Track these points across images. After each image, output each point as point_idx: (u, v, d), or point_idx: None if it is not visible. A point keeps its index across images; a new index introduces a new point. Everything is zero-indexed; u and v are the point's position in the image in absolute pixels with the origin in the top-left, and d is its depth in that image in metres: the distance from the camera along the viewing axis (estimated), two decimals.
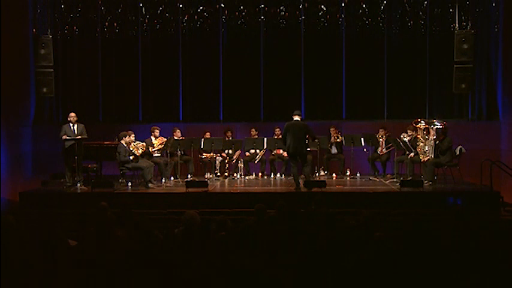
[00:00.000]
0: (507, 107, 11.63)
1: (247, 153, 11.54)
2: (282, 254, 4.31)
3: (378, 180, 10.72)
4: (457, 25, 11.95)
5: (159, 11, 12.66)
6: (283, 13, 12.63)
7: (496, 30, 11.85)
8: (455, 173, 9.96)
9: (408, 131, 10.53)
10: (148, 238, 4.66)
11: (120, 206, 6.41)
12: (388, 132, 11.15)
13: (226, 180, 10.98)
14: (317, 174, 11.15)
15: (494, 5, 11.86)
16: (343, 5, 12.51)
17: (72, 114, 10.06)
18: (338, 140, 11.32)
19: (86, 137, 10.00)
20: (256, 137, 11.39)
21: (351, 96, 12.60)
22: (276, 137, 11.15)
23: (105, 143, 10.54)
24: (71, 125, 9.96)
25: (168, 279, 3.95)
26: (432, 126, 9.82)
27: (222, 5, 12.61)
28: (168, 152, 10.74)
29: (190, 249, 4.62)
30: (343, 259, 4.12)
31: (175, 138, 10.88)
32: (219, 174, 11.23)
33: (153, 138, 10.73)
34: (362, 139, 11.02)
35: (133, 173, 10.15)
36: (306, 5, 12.58)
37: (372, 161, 11.15)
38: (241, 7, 12.65)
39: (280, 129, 10.85)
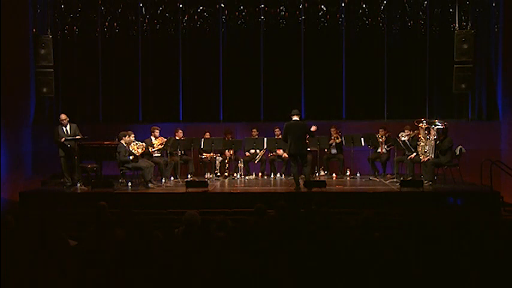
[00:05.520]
0: (507, 107, 11.63)
1: (247, 153, 11.55)
2: (282, 254, 4.31)
3: (378, 180, 10.72)
4: (457, 25, 11.95)
5: (159, 11, 12.66)
6: (283, 13, 12.63)
7: (496, 30, 11.85)
8: (455, 173, 9.97)
9: (406, 130, 10.55)
10: (148, 238, 4.65)
11: (120, 206, 6.40)
12: (388, 132, 11.16)
13: (226, 180, 10.98)
14: (317, 174, 11.16)
15: (494, 5, 11.85)
16: (343, 5, 12.51)
17: (63, 116, 10.07)
18: (337, 140, 11.32)
19: (81, 136, 10.00)
20: (257, 137, 11.39)
21: (351, 96, 12.59)
22: (276, 137, 11.15)
23: (105, 143, 10.53)
24: (63, 127, 9.97)
25: (168, 279, 3.94)
26: (433, 126, 9.83)
27: (222, 5, 12.61)
28: (168, 152, 10.74)
29: (190, 249, 4.62)
30: (343, 259, 4.11)
31: (177, 138, 10.89)
32: (219, 174, 11.23)
33: (153, 138, 10.73)
34: (362, 139, 11.02)
35: (133, 173, 10.16)
36: (306, 5, 12.57)
37: (372, 161, 11.15)
38: (241, 7, 12.64)
39: (280, 129, 10.79)
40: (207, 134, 11.31)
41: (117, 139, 10.18)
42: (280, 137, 11.01)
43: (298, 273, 3.97)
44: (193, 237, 4.95)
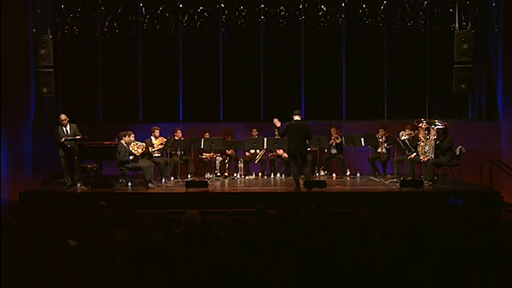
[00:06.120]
0: (507, 107, 11.63)
1: (247, 153, 11.55)
2: (282, 254, 4.30)
3: (378, 180, 10.72)
4: (457, 25, 11.95)
5: (159, 11, 12.67)
6: (283, 13, 12.63)
7: (496, 30, 11.85)
8: (455, 173, 9.97)
9: (406, 130, 10.56)
10: (148, 238, 4.65)
11: (120, 206, 6.39)
12: (388, 132, 11.16)
13: (226, 180, 10.98)
14: (317, 174, 11.16)
15: (494, 5, 11.85)
16: (343, 5, 12.51)
17: (63, 116, 10.07)
18: (337, 141, 11.32)
19: (81, 136, 10.00)
20: (257, 137, 11.39)
21: (351, 96, 12.59)
22: (276, 137, 11.14)
23: (105, 143, 10.53)
24: (63, 127, 9.97)
25: (168, 279, 3.94)
26: (433, 126, 9.84)
27: (222, 5, 12.61)
28: (168, 152, 10.74)
29: (190, 249, 4.62)
30: (343, 259, 4.11)
31: (176, 138, 10.89)
32: (219, 174, 11.23)
33: (153, 138, 10.73)
34: (362, 139, 11.02)
35: (133, 173, 10.16)
36: (306, 5, 12.57)
37: (372, 161, 11.15)
38: (241, 7, 12.64)
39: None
40: (207, 134, 11.30)
41: (117, 139, 10.18)
42: (279, 137, 11.02)
43: (298, 273, 3.97)
44: (193, 237, 4.95)
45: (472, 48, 11.54)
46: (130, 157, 9.78)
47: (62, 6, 12.53)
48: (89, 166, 10.42)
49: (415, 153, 10.12)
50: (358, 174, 11.38)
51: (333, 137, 11.35)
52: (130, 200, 8.96)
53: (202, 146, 10.91)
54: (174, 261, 4.23)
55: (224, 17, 12.66)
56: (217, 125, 12.35)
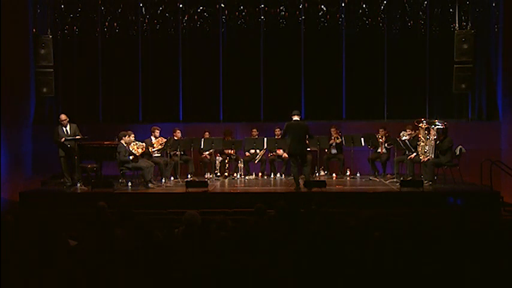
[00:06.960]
0: (507, 107, 11.63)
1: (247, 153, 11.55)
2: (282, 254, 4.30)
3: (378, 180, 10.72)
4: (457, 25, 11.96)
5: (159, 11, 12.66)
6: (283, 13, 12.63)
7: (496, 30, 11.85)
8: (455, 173, 9.97)
9: (407, 130, 10.57)
10: (148, 238, 4.65)
11: (120, 206, 6.40)
12: (388, 132, 11.16)
13: (226, 180, 10.98)
14: (317, 174, 11.16)
15: (494, 5, 11.85)
16: (343, 5, 12.51)
17: (63, 116, 10.07)
18: (338, 141, 11.32)
19: (81, 136, 10.00)
20: (257, 137, 11.39)
21: (351, 96, 12.59)
22: (276, 137, 11.15)
23: (105, 143, 10.53)
24: (63, 127, 9.97)
25: (168, 279, 3.94)
26: (433, 126, 9.84)
27: (222, 5, 12.61)
28: (168, 152, 10.74)
29: (190, 249, 4.62)
30: (343, 259, 4.11)
31: (175, 138, 10.89)
32: (219, 174, 11.23)
33: (153, 138, 10.73)
34: (362, 139, 11.02)
35: (133, 173, 10.16)
36: (306, 5, 12.57)
37: (372, 161, 11.16)
38: (241, 7, 12.64)
39: (280, 129, 10.80)
40: (207, 134, 11.30)
41: (117, 139, 10.18)
42: (279, 137, 11.02)
43: (298, 273, 3.97)
44: (193, 237, 4.95)
45: (472, 48, 11.55)
46: (130, 157, 9.78)
47: (62, 6, 12.52)
48: (89, 166, 10.42)
49: (415, 153, 10.12)
50: (358, 174, 11.38)
51: (333, 137, 11.34)
52: (130, 200, 9.01)
53: (202, 146, 10.92)
54: (174, 261, 4.23)
55: (224, 17, 12.66)
56: (217, 125, 12.35)
